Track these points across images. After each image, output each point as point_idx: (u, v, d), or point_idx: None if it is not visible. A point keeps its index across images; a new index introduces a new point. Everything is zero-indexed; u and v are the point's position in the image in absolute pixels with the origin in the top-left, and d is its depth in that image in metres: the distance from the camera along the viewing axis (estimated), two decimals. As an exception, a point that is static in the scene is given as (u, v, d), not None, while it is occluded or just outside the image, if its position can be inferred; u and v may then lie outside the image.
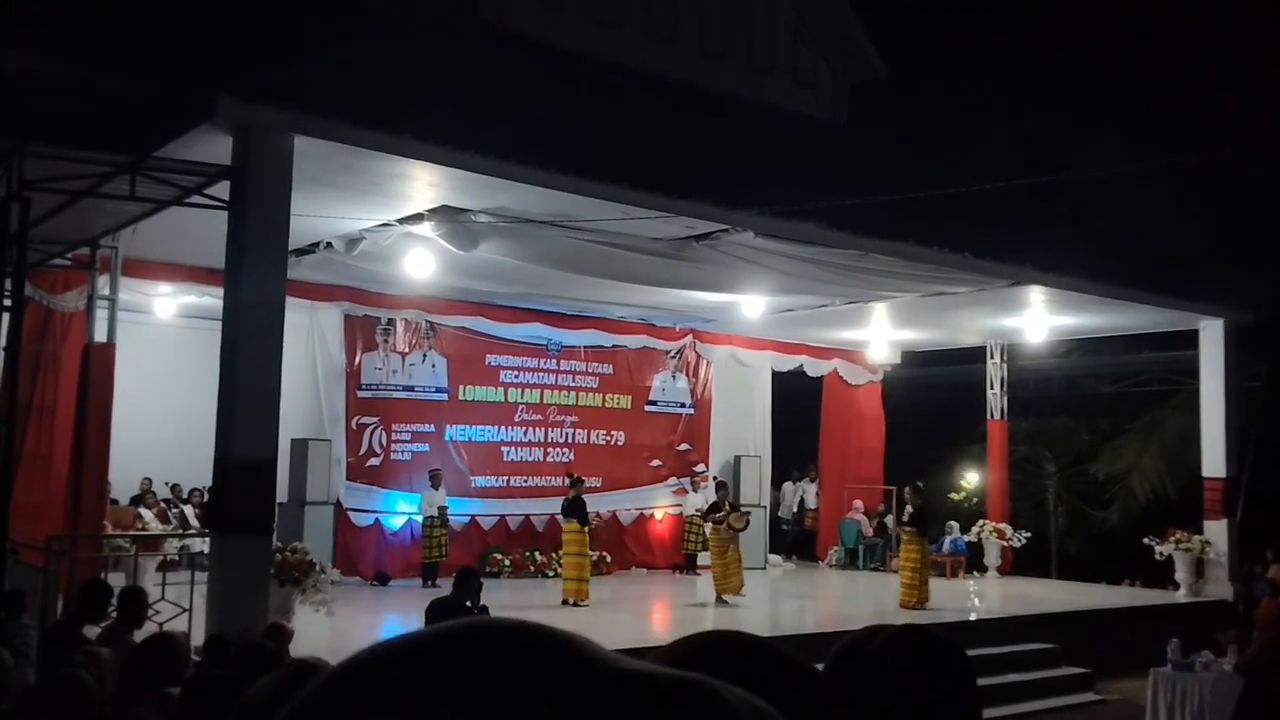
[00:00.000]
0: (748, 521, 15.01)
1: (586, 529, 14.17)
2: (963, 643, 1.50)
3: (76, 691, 4.01)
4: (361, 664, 0.52)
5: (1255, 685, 7.64)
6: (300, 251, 12.49)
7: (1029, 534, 19.06)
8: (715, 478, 17.75)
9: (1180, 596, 16.00)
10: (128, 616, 7.04)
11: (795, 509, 21.05)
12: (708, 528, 15.03)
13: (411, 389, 16.35)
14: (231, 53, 9.41)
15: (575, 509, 14.13)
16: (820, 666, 1.36)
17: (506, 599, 13.80)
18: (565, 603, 13.55)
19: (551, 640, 0.53)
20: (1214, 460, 16.53)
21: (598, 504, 16.14)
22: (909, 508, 14.71)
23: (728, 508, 14.67)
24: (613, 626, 12.48)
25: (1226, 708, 8.30)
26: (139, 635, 6.54)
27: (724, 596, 14.18)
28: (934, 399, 23.44)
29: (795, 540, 20.85)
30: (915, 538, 14.34)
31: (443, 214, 11.26)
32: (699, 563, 17.71)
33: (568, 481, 14.67)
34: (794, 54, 16.57)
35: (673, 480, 18.69)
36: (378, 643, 0.55)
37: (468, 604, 8.45)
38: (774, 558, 19.40)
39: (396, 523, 15.98)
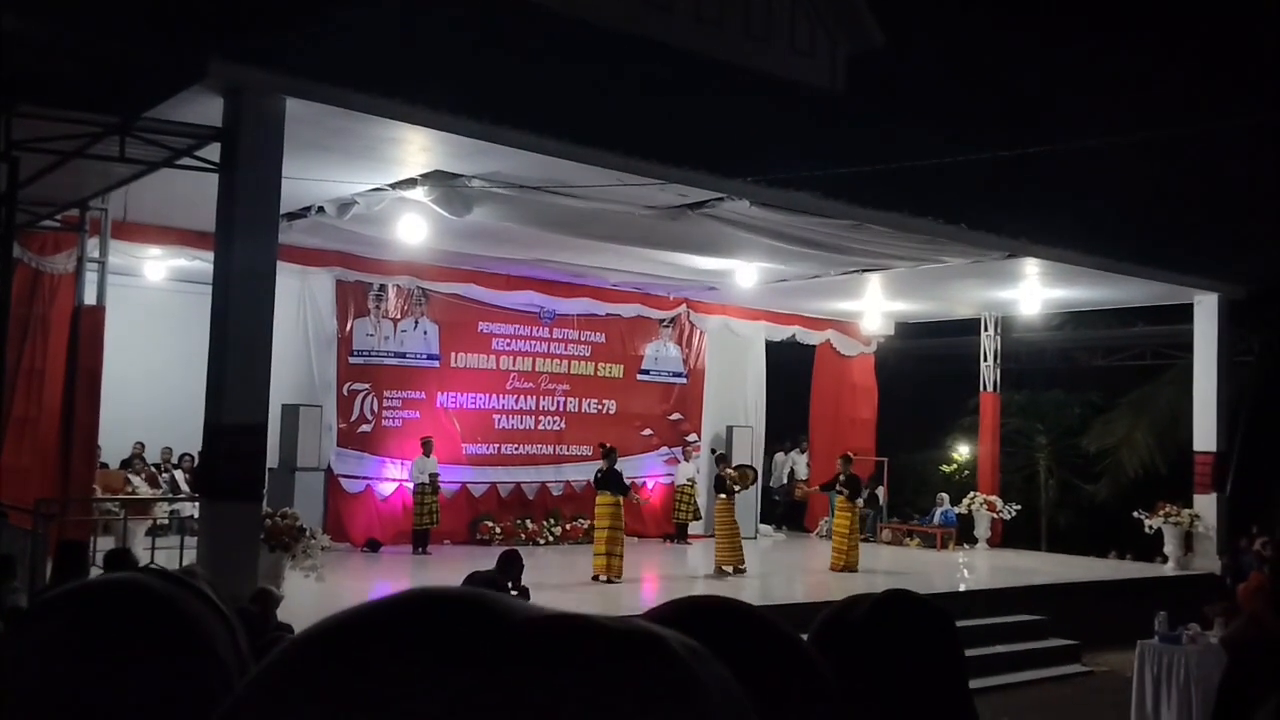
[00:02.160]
0: (754, 477, 15.23)
1: (623, 500, 13.68)
2: (951, 613, 1.49)
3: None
4: (321, 632, 0.54)
5: (1239, 660, 7.66)
6: (292, 215, 12.41)
7: (1019, 506, 19.14)
8: (714, 450, 17.52)
9: (1168, 569, 16.07)
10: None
11: (785, 480, 21.07)
12: (714, 500, 14.96)
13: (403, 355, 16.31)
14: (223, 13, 9.30)
15: (609, 480, 13.65)
16: (806, 634, 1.34)
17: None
18: (596, 578, 13.13)
19: (497, 601, 0.54)
20: (1205, 434, 16.56)
21: (588, 472, 15.88)
22: (841, 475, 15.24)
23: (732, 471, 14.72)
24: (621, 595, 12.53)
25: (1213, 680, 8.33)
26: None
27: (724, 567, 14.19)
28: (927, 371, 23.44)
29: (785, 510, 20.89)
30: (847, 504, 14.99)
31: (435, 179, 11.19)
32: (689, 532, 17.77)
33: (602, 451, 14.14)
34: (792, 22, 16.43)
35: (664, 450, 18.68)
36: (337, 613, 0.56)
37: (509, 584, 8.43)
38: (764, 527, 19.44)
39: (387, 489, 15.98)
